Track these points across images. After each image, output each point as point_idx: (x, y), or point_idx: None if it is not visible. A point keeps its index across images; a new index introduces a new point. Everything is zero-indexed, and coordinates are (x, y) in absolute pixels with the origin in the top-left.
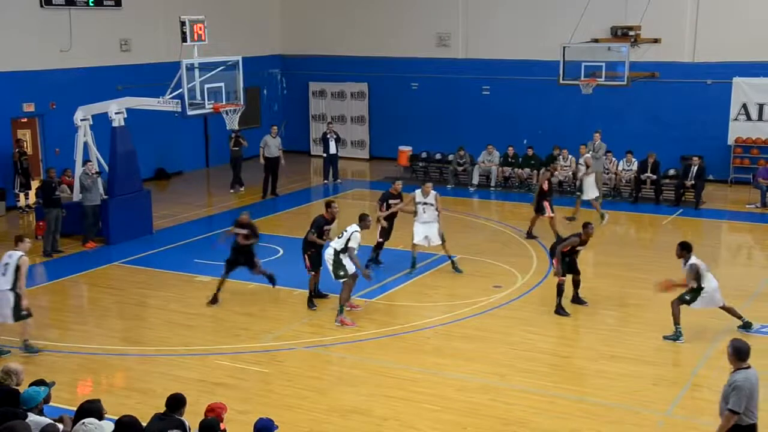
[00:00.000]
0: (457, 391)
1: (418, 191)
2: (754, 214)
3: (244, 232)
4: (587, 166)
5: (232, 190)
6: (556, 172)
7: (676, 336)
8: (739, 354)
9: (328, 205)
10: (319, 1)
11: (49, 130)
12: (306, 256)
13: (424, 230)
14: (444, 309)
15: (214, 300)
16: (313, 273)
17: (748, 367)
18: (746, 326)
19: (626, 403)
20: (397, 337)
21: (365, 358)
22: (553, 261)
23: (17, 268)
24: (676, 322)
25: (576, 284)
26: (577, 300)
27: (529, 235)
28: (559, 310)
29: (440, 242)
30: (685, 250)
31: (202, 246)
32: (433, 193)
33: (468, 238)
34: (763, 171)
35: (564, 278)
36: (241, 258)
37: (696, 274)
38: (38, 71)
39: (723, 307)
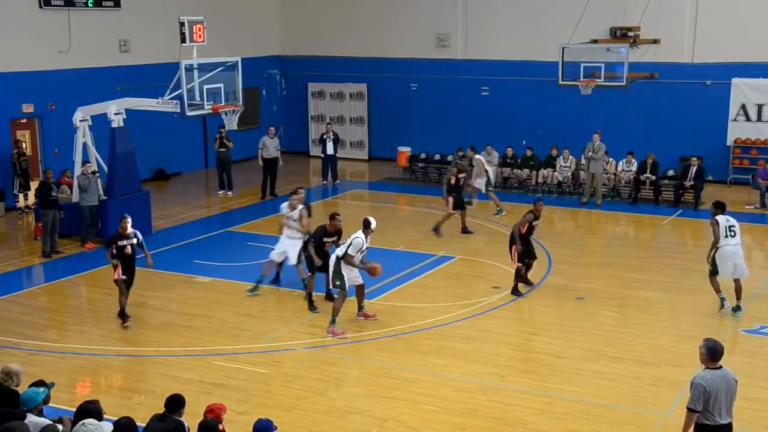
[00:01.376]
0: (457, 392)
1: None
2: (754, 214)
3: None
4: (486, 164)
5: (219, 193)
6: (461, 175)
7: (722, 304)
8: (713, 354)
9: (332, 217)
10: (319, 1)
11: (49, 131)
12: (304, 257)
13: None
14: (443, 310)
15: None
16: (310, 275)
17: (719, 368)
18: (735, 309)
19: (626, 404)
20: (396, 337)
21: (364, 359)
22: (512, 249)
23: None
24: (717, 291)
25: (528, 267)
26: (525, 281)
27: (465, 231)
28: (516, 292)
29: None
30: (716, 207)
31: (201, 246)
32: (299, 208)
33: (467, 238)
34: (763, 171)
35: (522, 264)
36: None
37: (714, 228)
38: (37, 72)
39: (737, 281)
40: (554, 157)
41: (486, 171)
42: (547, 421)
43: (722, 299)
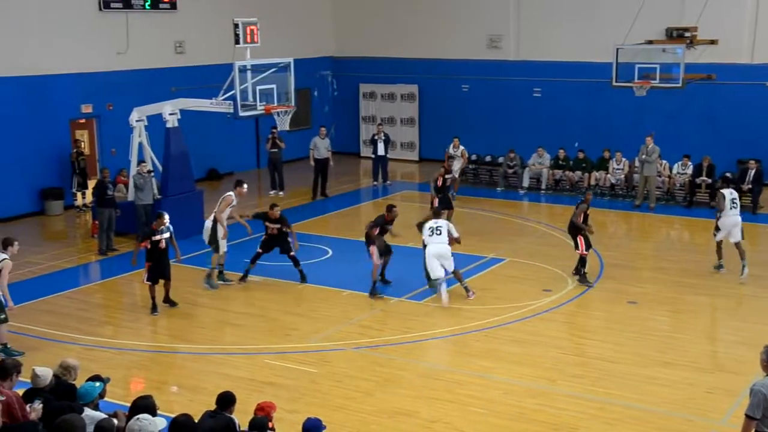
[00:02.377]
0: (505, 395)
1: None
2: None
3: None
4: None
5: (271, 193)
6: (448, 175)
7: (719, 265)
8: None
9: (389, 209)
10: (371, 3)
11: (106, 131)
12: (370, 249)
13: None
14: (493, 312)
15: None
16: (380, 262)
17: None
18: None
19: (678, 411)
20: (445, 339)
21: (413, 360)
22: (578, 238)
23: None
24: (718, 252)
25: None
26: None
27: None
28: (584, 280)
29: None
30: (723, 181)
31: (252, 246)
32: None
33: (518, 241)
34: None
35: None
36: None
37: (719, 200)
38: (96, 73)
39: (737, 244)
40: (606, 159)
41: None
42: (598, 426)
43: (721, 265)
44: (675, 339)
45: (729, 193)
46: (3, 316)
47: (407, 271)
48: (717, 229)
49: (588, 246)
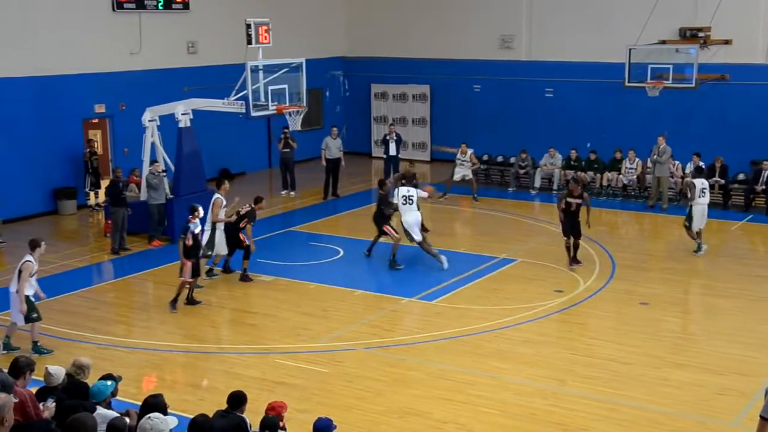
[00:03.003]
0: (517, 396)
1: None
2: None
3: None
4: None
5: (282, 192)
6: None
7: (698, 248)
8: None
9: (381, 183)
10: (382, 3)
11: (119, 131)
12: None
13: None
14: (504, 312)
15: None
16: (399, 237)
17: None
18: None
19: (691, 413)
20: (456, 339)
21: (424, 361)
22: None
23: (20, 272)
24: (693, 238)
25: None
26: (573, 259)
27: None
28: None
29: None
30: (695, 171)
31: (264, 246)
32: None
33: (529, 241)
34: None
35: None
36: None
37: (690, 189)
38: (109, 73)
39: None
40: (618, 160)
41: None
42: (609, 428)
43: (699, 244)
44: (687, 340)
45: (700, 183)
46: (35, 315)
47: (417, 272)
48: (688, 220)
49: (565, 232)
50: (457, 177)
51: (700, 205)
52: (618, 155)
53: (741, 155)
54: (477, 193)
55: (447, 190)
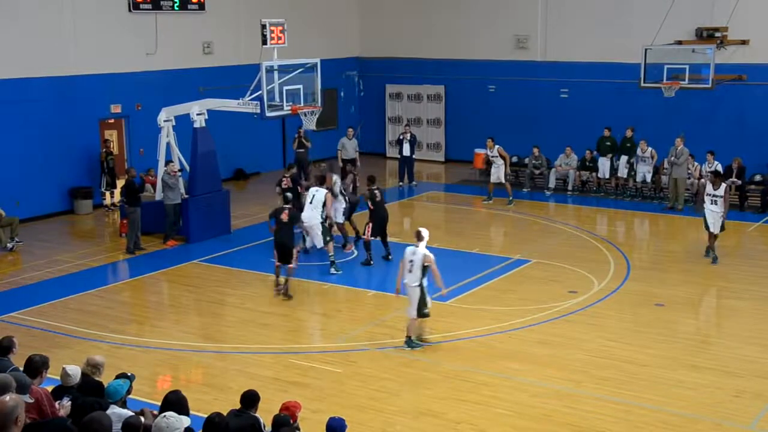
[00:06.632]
0: (531, 397)
1: None
2: None
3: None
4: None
5: None
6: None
7: (707, 253)
8: None
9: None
10: (397, 3)
11: (134, 131)
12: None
13: None
14: (519, 313)
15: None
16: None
17: None
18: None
19: (707, 415)
20: (470, 340)
21: (438, 361)
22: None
23: (424, 268)
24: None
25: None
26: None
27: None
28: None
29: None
30: (715, 175)
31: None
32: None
33: (543, 242)
34: None
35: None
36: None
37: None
38: (125, 74)
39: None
40: (629, 138)
41: (504, 160)
42: (624, 430)
43: (707, 250)
44: (703, 342)
45: (706, 187)
46: (426, 311)
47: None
48: (705, 221)
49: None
50: (493, 178)
51: (704, 209)
52: (629, 133)
53: (758, 156)
54: (512, 195)
55: (490, 193)
